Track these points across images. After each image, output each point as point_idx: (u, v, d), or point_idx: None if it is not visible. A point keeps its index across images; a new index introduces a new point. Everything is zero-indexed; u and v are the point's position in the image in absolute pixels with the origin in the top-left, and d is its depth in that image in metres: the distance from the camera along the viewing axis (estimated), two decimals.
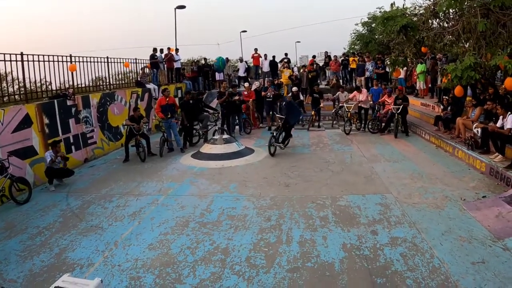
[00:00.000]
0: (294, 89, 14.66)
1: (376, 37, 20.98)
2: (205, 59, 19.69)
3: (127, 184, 8.60)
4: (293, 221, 6.16)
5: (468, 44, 9.75)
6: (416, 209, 6.48)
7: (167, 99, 11.48)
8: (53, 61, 10.87)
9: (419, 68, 14.92)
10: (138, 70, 15.80)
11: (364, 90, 13.29)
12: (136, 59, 15.83)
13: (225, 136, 10.98)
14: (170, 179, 8.88)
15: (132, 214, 6.84)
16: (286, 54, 18.98)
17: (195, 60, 19.38)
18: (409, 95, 16.28)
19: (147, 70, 15.93)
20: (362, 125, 13.40)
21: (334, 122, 14.75)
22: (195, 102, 12.77)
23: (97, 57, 13.31)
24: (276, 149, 10.49)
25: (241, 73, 18.86)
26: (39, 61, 10.35)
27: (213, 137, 11.16)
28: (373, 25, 23.31)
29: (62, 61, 11.28)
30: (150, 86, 15.53)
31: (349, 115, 13.12)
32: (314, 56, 20.50)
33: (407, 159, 9.58)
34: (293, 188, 7.80)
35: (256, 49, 19.24)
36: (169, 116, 11.29)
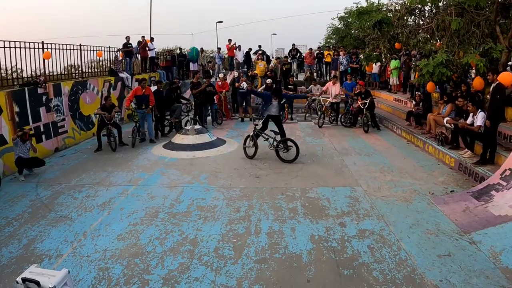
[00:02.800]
0: (269, 81, 14.58)
1: (352, 32, 21.16)
2: (180, 48, 19.31)
3: (98, 174, 8.38)
4: (262, 213, 6.13)
5: (441, 41, 9.91)
6: (384, 202, 6.56)
7: (143, 90, 11.19)
8: (25, 47, 10.43)
9: (393, 64, 15.16)
10: (111, 59, 15.32)
11: (338, 84, 13.35)
12: (109, 47, 15.35)
13: (197, 126, 10.83)
14: (141, 169, 8.69)
15: (101, 205, 6.66)
16: (260, 46, 18.89)
17: (169, 50, 18.94)
18: (383, 90, 16.60)
19: (119, 57, 15.49)
20: (334, 118, 13.50)
21: (307, 114, 14.79)
22: (168, 91, 12.52)
23: (70, 45, 12.86)
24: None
25: (240, 56, 18.53)
26: (10, 47, 9.94)
27: (185, 127, 10.98)
28: (350, 19, 23.69)
29: (34, 48, 10.88)
30: (124, 75, 15.11)
31: (323, 108, 13.18)
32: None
33: (378, 152, 9.72)
34: (263, 180, 7.76)
35: (230, 40, 19.03)
36: (143, 106, 11.07)
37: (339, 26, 21.96)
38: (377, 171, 8.22)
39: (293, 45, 18.79)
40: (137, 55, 16.61)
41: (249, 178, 7.87)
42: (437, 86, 11.61)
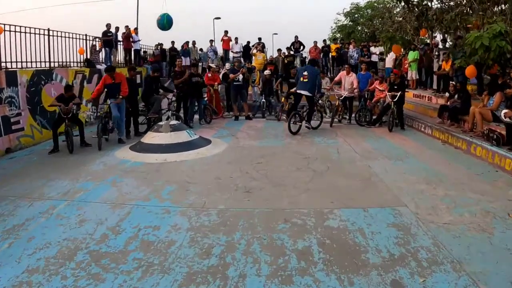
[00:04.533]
0: (266, 72, 11.84)
1: (359, 28, 18.46)
2: (172, 42, 16.57)
3: (32, 183, 5.68)
4: (250, 259, 3.33)
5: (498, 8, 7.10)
6: (451, 233, 3.80)
7: (114, 78, 8.44)
8: None
9: (411, 55, 12.33)
10: (89, 48, 12.59)
11: (353, 74, 10.55)
12: (86, 35, 12.58)
13: (174, 122, 8.03)
14: (89, 177, 5.93)
15: (9, 230, 4.06)
16: (259, 39, 16.09)
17: (159, 43, 16.23)
18: None
19: (98, 47, 12.75)
20: (348, 116, 10.68)
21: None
22: (149, 81, 9.78)
23: (36, 28, 10.10)
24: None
25: (236, 49, 15.73)
26: None
27: (159, 123, 8.16)
28: (356, 15, 21.08)
29: None
30: (101, 66, 12.32)
31: (337, 104, 10.36)
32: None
33: (412, 156, 6.91)
34: (256, 196, 4.95)
35: (226, 32, 16.27)
36: (118, 96, 8.34)
37: (345, 22, 19.20)
38: (421, 181, 5.39)
39: (296, 37, 16.03)
40: (118, 45, 13.86)
41: (235, 194, 5.06)
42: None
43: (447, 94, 9.08)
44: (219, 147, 7.74)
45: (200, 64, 15.73)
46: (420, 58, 12.05)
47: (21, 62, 9.73)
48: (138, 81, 11.98)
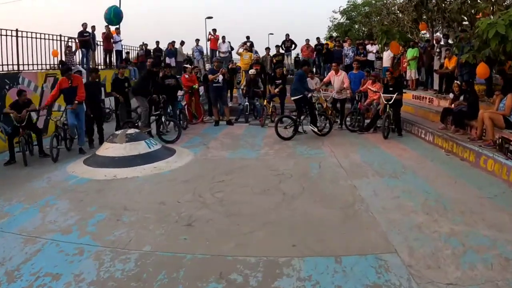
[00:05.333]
0: (252, 71, 10.54)
1: (356, 26, 17.07)
2: (157, 42, 15.26)
3: None
4: None
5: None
6: None
7: (70, 81, 7.26)
8: None
9: (410, 53, 10.96)
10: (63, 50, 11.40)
11: (343, 73, 9.23)
12: (60, 35, 11.39)
13: (131, 131, 6.76)
14: (23, 198, 4.82)
15: None
16: (248, 37, 14.75)
17: (143, 43, 14.97)
18: None
19: (73, 48, 11.54)
20: (339, 121, 9.35)
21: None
22: (145, 76, 8.63)
23: (3, 29, 9.14)
24: None
25: (224, 48, 14.44)
26: None
27: (115, 132, 6.91)
28: (353, 13, 19.69)
29: None
30: (76, 68, 11.10)
31: (325, 106, 9.03)
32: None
33: (410, 171, 5.55)
34: (197, 232, 3.68)
35: (214, 30, 14.96)
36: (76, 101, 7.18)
37: (341, 20, 17.82)
38: (420, 210, 4.08)
39: (287, 35, 14.67)
40: (95, 46, 12.61)
41: (173, 228, 3.79)
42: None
43: (451, 95, 7.72)
44: (182, 160, 6.46)
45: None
46: (420, 56, 10.68)
47: None
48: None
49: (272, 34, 22.90)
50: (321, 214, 4.01)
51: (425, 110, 9.05)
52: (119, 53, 13.68)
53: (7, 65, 9.71)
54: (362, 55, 12.66)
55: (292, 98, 8.13)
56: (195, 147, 7.44)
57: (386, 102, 7.76)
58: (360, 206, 4.21)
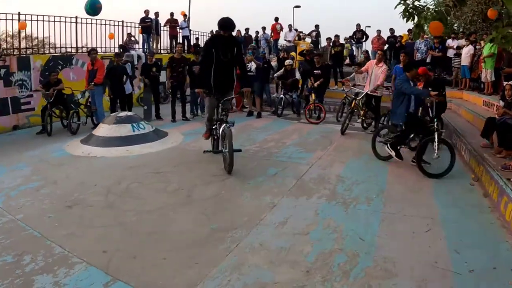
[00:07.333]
0: (288, 62, 9.50)
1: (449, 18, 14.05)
2: (247, 29, 14.62)
3: None
4: None
5: None
6: None
7: (94, 63, 7.77)
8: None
9: (487, 49, 8.36)
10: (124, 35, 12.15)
11: (384, 66, 7.36)
12: (123, 21, 12.12)
13: (122, 114, 6.74)
14: (7, 162, 5.40)
15: None
16: (317, 26, 13.40)
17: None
18: (474, 90, 9.78)
19: (133, 38, 12.17)
20: (373, 122, 7.77)
21: (340, 114, 8.96)
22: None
23: (61, 16, 10.07)
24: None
25: (290, 37, 13.36)
26: None
27: (112, 114, 6.99)
28: None
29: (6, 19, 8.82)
30: (134, 52, 11.71)
31: (353, 104, 7.56)
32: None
33: (380, 200, 4.04)
34: (69, 214, 3.44)
35: (277, 19, 13.98)
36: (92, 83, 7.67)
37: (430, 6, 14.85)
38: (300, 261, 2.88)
39: (358, 25, 12.85)
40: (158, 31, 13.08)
41: (56, 205, 3.60)
42: None
43: (501, 102, 5.62)
44: (160, 146, 6.18)
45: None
46: (499, 54, 8.12)
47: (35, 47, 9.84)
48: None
49: (369, 27, 19.88)
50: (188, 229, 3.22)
51: (483, 121, 6.86)
52: (186, 38, 13.94)
53: (65, 47, 10.83)
54: (437, 50, 10.34)
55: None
56: (195, 134, 6.99)
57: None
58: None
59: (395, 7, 5.46)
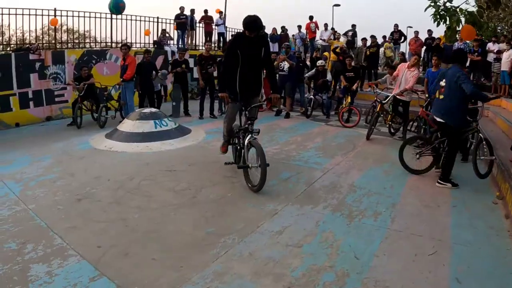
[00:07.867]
0: (320, 62, 9.28)
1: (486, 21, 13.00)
2: (283, 27, 14.36)
3: None
4: None
5: None
6: None
7: (125, 59, 8.02)
8: (35, 14, 9.21)
9: None
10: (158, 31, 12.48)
11: (416, 71, 6.93)
12: (158, 17, 12.45)
13: (147, 110, 6.89)
14: (35, 153, 5.71)
15: None
16: (353, 26, 12.96)
17: None
18: None
19: (167, 34, 12.46)
20: (401, 128, 7.39)
21: (371, 117, 8.62)
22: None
23: (95, 12, 10.60)
24: None
25: (326, 36, 13.03)
26: (16, 14, 8.86)
27: (136, 110, 7.17)
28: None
29: (43, 15, 9.45)
30: (168, 48, 12.01)
31: (378, 108, 7.23)
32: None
33: (389, 213, 3.85)
34: (77, 207, 3.50)
35: (311, 17, 13.68)
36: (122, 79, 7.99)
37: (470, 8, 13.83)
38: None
39: (396, 26, 12.26)
40: (193, 28, 13.29)
41: (67, 197, 3.72)
42: None
43: None
44: (182, 144, 6.31)
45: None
46: None
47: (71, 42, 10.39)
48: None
49: (411, 27, 19.06)
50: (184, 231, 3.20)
51: None
52: (221, 35, 14.05)
53: (100, 43, 11.29)
54: (476, 54, 9.62)
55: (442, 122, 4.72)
56: (218, 133, 6.98)
57: None
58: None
59: (425, 9, 5.17)
